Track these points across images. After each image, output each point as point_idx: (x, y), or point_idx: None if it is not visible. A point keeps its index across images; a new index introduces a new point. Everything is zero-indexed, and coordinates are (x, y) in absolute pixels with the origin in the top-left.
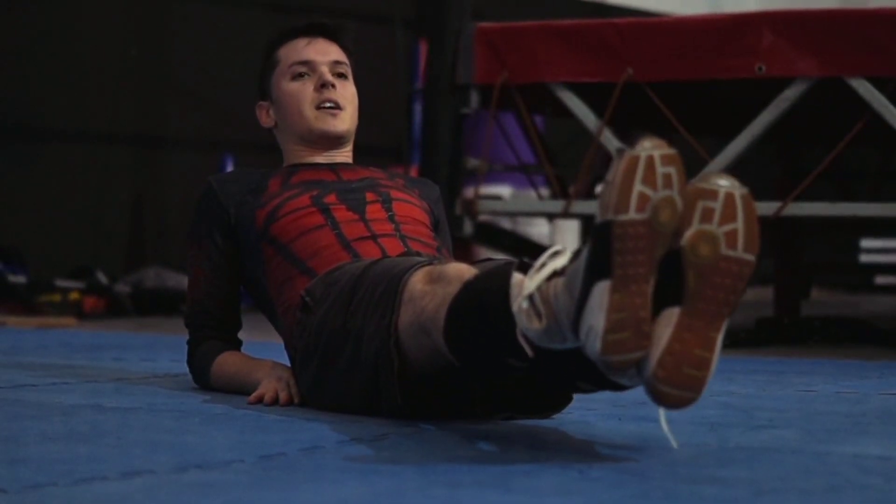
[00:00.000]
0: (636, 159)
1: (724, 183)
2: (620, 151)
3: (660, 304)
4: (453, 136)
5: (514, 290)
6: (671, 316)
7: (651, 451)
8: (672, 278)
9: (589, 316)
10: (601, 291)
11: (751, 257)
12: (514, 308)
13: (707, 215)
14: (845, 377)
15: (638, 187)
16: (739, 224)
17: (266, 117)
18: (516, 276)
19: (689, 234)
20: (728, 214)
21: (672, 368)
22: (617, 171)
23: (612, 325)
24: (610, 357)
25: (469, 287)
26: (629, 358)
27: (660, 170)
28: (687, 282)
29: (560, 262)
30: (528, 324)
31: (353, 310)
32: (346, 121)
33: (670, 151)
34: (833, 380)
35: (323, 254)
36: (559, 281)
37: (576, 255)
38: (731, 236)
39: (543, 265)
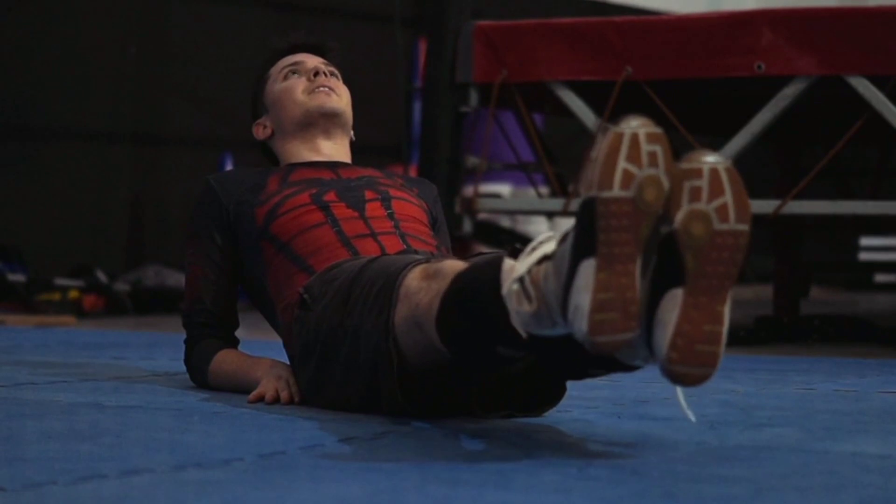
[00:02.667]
0: (620, 136)
1: (708, 159)
2: (605, 129)
3: (662, 288)
4: (453, 134)
5: (504, 275)
6: (675, 297)
7: (650, 449)
8: (670, 261)
9: (575, 296)
10: (587, 271)
11: (744, 227)
12: (504, 291)
13: (695, 194)
14: (844, 375)
15: (622, 164)
16: (728, 197)
17: (262, 130)
18: (507, 262)
19: (680, 215)
20: (715, 190)
21: (684, 348)
22: (601, 147)
23: (598, 304)
24: (597, 338)
25: (461, 277)
26: (617, 339)
27: (645, 147)
28: (686, 262)
29: (550, 246)
30: (518, 306)
31: (351, 307)
32: (341, 101)
33: (655, 130)
34: (832, 378)
35: (323, 251)
36: (549, 264)
37: (564, 238)
38: (722, 210)
39: (534, 249)
